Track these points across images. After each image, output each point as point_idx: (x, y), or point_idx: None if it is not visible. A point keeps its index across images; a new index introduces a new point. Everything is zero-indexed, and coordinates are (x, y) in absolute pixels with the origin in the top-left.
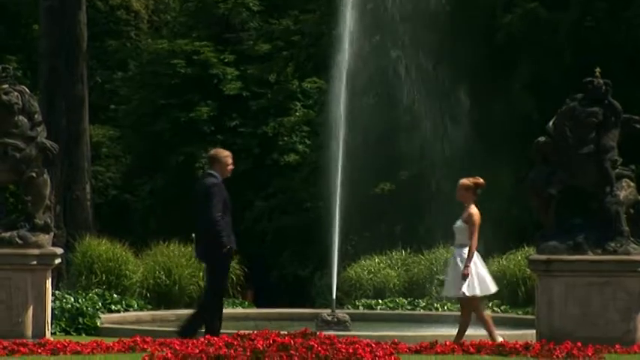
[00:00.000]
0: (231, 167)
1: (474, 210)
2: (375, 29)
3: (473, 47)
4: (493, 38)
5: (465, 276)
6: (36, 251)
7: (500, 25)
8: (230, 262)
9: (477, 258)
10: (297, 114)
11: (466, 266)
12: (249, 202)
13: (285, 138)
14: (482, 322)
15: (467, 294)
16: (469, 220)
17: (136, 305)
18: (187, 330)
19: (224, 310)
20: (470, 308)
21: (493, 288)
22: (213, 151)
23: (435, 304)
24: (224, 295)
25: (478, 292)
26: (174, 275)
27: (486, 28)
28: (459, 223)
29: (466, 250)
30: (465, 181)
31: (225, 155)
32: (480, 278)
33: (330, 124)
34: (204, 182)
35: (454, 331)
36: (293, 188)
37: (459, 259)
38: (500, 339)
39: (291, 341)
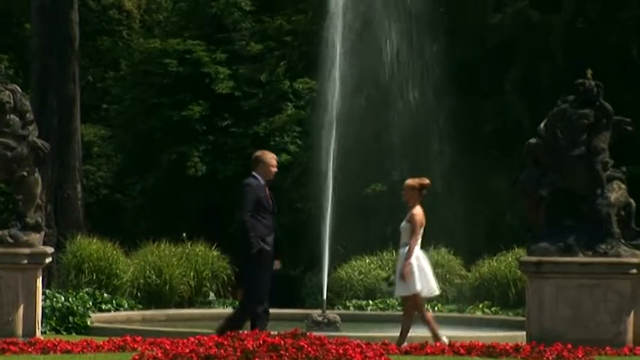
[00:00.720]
0: (274, 170)
1: (417, 210)
2: (366, 29)
3: (465, 48)
4: (485, 40)
5: (404, 274)
6: (27, 250)
7: (491, 26)
8: (264, 262)
9: (422, 257)
10: (289, 113)
11: (405, 265)
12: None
13: (277, 138)
14: (426, 322)
15: (408, 292)
16: (411, 220)
17: (126, 305)
18: (225, 330)
19: (217, 310)
20: (412, 307)
21: (437, 290)
22: (258, 153)
23: (426, 306)
24: (264, 295)
25: (420, 290)
26: (165, 275)
27: (478, 29)
28: (403, 223)
29: (404, 250)
30: (410, 181)
31: (269, 157)
32: (423, 277)
33: (321, 124)
34: (240, 183)
35: (444, 333)
36: (284, 188)
37: (400, 260)
38: (445, 339)
39: (282, 341)
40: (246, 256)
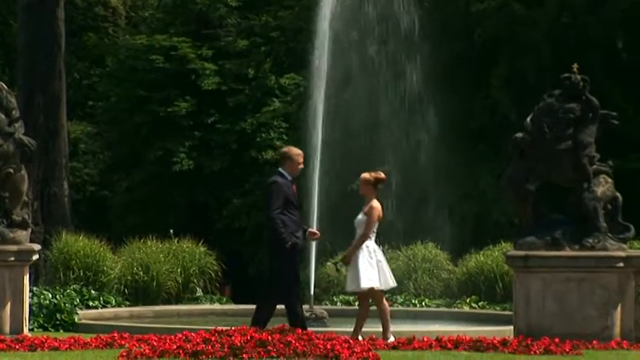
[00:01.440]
0: (301, 166)
1: (376, 204)
2: (353, 25)
3: (451, 44)
4: (470, 35)
5: (345, 263)
6: (14, 247)
7: (475, 19)
8: (296, 258)
9: (377, 251)
10: (274, 107)
11: (348, 254)
12: (226, 199)
13: (263, 134)
14: (382, 314)
15: (365, 286)
16: (369, 213)
17: (113, 301)
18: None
19: (205, 306)
20: (367, 301)
21: (393, 282)
22: (285, 149)
23: (413, 300)
24: (295, 290)
25: (377, 285)
26: (152, 271)
27: (463, 22)
28: (360, 216)
29: (369, 243)
30: (366, 175)
31: (297, 154)
32: (380, 272)
33: (308, 120)
34: (268, 181)
35: (432, 327)
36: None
37: (360, 253)
38: (392, 338)
39: (269, 337)
40: (278, 253)
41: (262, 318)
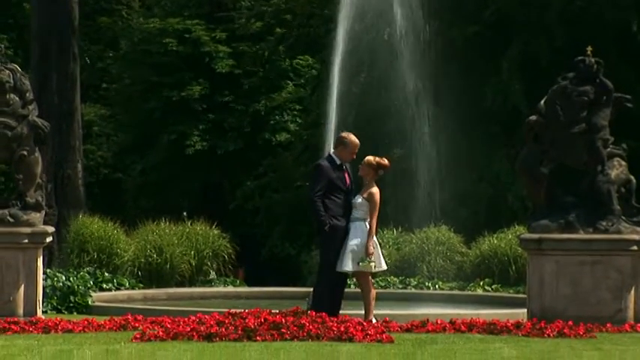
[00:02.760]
0: (352, 156)
1: (375, 189)
2: (367, 9)
3: (463, 27)
4: (483, 17)
5: (368, 251)
6: (27, 230)
7: (489, 2)
8: (335, 241)
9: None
10: (289, 90)
11: (368, 244)
12: (240, 182)
13: (277, 116)
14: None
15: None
16: (371, 199)
17: (127, 284)
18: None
19: (218, 289)
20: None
21: (385, 265)
22: (343, 134)
23: (427, 283)
24: (337, 274)
25: (375, 269)
26: (166, 254)
27: (476, 5)
28: (359, 199)
29: (362, 224)
30: (370, 158)
31: (351, 142)
32: (377, 254)
33: (322, 103)
34: (314, 164)
35: (445, 310)
36: (284, 167)
37: (353, 235)
38: (374, 320)
39: (283, 319)
40: (319, 234)
41: (324, 306)
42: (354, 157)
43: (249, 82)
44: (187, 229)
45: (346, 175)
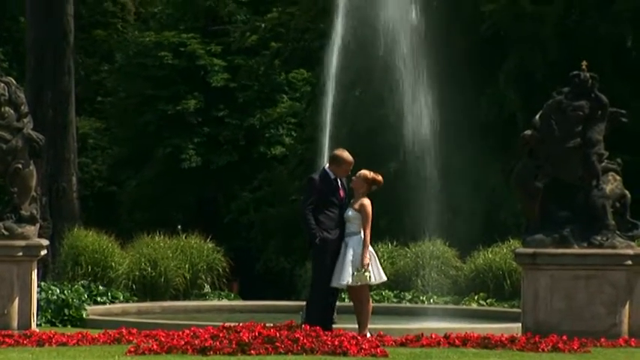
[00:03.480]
0: (346, 173)
1: (367, 201)
2: (363, 25)
3: (459, 39)
4: (479, 31)
5: (364, 264)
6: (22, 242)
7: (484, 16)
8: (326, 256)
9: (370, 247)
10: (283, 105)
11: (364, 254)
12: (234, 195)
13: (272, 130)
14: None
15: (380, 280)
16: (362, 210)
17: (121, 297)
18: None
19: (212, 302)
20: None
21: (384, 276)
22: (337, 151)
23: (421, 297)
24: (329, 287)
25: (373, 280)
26: (160, 267)
27: (472, 19)
28: (351, 212)
29: (356, 238)
30: (365, 172)
31: (345, 160)
32: (375, 266)
33: (317, 117)
34: (307, 177)
35: (440, 325)
36: (279, 181)
37: (350, 248)
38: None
39: (277, 333)
40: (311, 247)
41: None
42: (349, 173)
43: (244, 95)
44: (182, 243)
45: (340, 190)
